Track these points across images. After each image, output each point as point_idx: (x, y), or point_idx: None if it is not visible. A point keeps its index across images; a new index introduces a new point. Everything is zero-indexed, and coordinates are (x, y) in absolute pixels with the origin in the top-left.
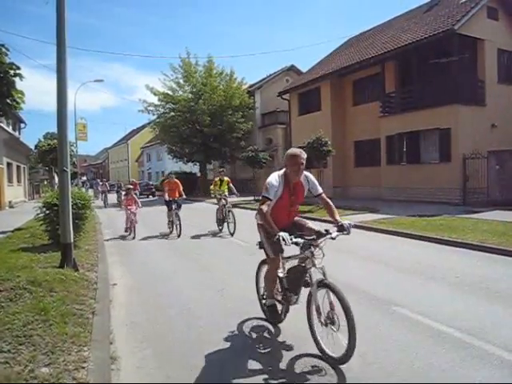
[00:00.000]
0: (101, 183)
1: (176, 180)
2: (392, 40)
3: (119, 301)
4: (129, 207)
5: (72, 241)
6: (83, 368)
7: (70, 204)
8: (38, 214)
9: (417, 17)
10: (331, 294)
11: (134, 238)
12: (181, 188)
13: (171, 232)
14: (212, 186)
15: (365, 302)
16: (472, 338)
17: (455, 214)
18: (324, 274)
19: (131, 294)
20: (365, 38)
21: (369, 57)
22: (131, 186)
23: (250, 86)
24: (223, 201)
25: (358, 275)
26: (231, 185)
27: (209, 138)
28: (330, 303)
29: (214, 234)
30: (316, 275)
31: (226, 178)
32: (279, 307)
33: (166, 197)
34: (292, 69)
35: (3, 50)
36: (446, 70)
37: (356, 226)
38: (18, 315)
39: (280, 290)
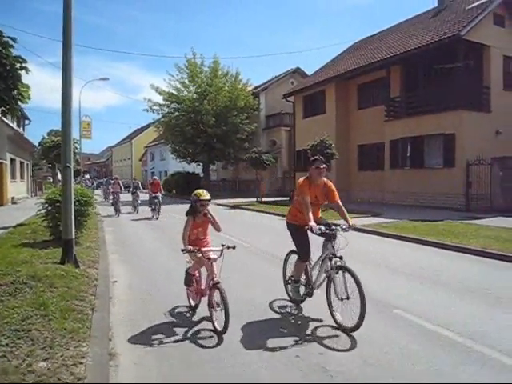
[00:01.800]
0: (112, 182)
1: (325, 179)
2: (398, 44)
3: (119, 298)
4: (204, 251)
5: (73, 237)
6: (81, 363)
7: (73, 200)
8: (39, 210)
9: (423, 22)
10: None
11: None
12: (336, 196)
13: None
14: None
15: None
16: (473, 343)
17: (458, 220)
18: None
19: (131, 292)
20: (371, 42)
21: (374, 61)
22: (207, 197)
23: (255, 88)
24: None
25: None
26: None
27: (213, 139)
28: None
29: None
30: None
31: None
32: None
33: (313, 224)
34: (297, 71)
35: (9, 42)
36: (452, 75)
37: (358, 230)
38: (18, 309)
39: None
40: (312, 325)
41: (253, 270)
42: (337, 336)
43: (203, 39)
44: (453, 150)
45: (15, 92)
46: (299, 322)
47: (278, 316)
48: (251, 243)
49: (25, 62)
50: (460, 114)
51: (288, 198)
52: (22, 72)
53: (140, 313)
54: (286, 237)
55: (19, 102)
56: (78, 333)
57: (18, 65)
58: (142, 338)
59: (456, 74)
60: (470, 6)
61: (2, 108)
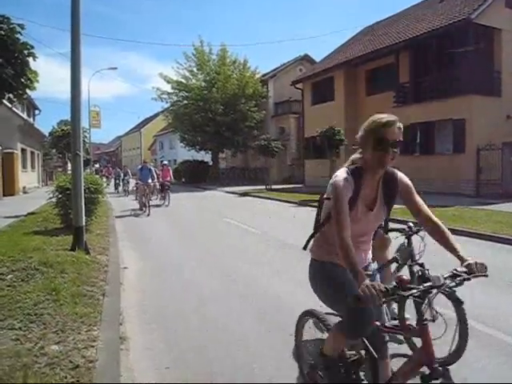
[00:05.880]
0: (161, 167)
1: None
2: (407, 29)
3: (130, 283)
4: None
5: (84, 224)
6: (92, 347)
7: (83, 187)
8: (50, 198)
9: (432, 6)
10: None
11: None
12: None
13: None
14: None
15: None
16: (483, 326)
17: (468, 205)
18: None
19: (142, 277)
20: (379, 28)
21: (383, 46)
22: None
23: (264, 75)
24: None
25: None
26: None
27: (221, 127)
28: None
29: None
30: None
31: None
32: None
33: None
34: (305, 58)
35: (17, 28)
36: (462, 59)
37: None
38: (30, 294)
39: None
40: None
41: (262, 259)
42: None
43: (212, 27)
44: (463, 135)
45: (24, 78)
46: None
47: None
48: (261, 229)
49: (32, 48)
50: (470, 98)
51: (300, 186)
52: (30, 59)
53: (150, 298)
54: (293, 222)
55: (27, 89)
56: (89, 317)
57: (25, 51)
58: (153, 323)
59: (466, 58)
60: None
61: (10, 95)
